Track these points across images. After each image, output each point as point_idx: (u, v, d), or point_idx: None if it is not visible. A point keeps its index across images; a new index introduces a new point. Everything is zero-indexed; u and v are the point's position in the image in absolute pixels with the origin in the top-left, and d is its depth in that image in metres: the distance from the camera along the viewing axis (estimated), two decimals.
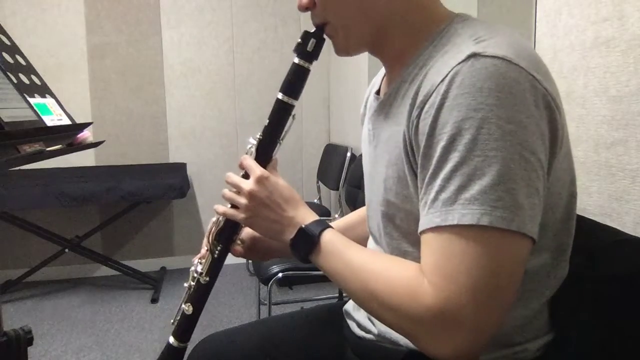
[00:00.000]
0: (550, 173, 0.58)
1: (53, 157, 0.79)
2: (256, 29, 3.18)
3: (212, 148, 3.20)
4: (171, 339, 0.81)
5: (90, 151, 2.99)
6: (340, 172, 2.55)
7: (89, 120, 1.25)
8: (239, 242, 0.83)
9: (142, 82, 3.07)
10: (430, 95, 0.56)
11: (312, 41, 0.70)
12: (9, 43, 0.85)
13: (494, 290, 0.52)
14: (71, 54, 2.95)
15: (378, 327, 0.74)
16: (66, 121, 0.86)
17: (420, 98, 0.58)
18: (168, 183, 2.61)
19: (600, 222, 0.79)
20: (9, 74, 0.78)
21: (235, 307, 2.60)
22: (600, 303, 0.66)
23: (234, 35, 3.16)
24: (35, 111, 0.78)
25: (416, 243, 0.64)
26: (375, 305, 0.59)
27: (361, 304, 0.63)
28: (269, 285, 1.80)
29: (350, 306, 0.85)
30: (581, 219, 0.72)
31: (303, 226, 0.67)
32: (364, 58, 2.52)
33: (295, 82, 0.72)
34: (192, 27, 3.10)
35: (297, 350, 0.86)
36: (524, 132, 0.53)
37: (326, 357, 0.85)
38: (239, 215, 0.72)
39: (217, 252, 0.78)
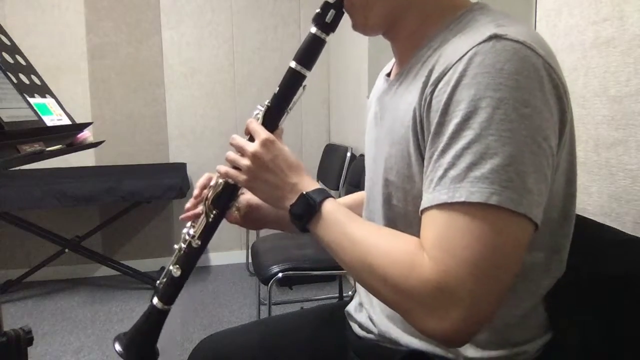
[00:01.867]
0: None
1: (53, 157, 0.79)
2: (256, 29, 3.18)
3: (212, 148, 3.20)
4: (155, 300, 0.79)
5: (90, 151, 2.99)
6: (340, 172, 2.55)
7: (89, 120, 1.25)
8: (235, 208, 0.81)
9: (142, 82, 3.07)
10: (446, 73, 0.56)
11: (331, 12, 0.69)
12: (9, 43, 0.85)
13: (494, 268, 0.51)
14: (71, 54, 2.95)
15: (378, 327, 0.74)
16: (66, 121, 0.86)
17: (435, 75, 0.58)
18: (168, 183, 2.61)
19: (600, 222, 0.79)
20: (9, 74, 0.78)
21: (235, 307, 2.60)
22: (600, 303, 0.66)
23: (234, 35, 3.16)
24: (35, 111, 0.79)
25: (410, 225, 0.64)
26: (371, 278, 0.58)
27: (357, 276, 0.61)
28: (269, 285, 1.80)
29: (352, 308, 0.84)
30: (581, 219, 0.72)
31: (304, 192, 0.66)
32: (363, 58, 2.52)
33: (310, 52, 0.71)
34: (192, 27, 3.10)
35: (298, 350, 0.86)
36: (539, 118, 0.53)
37: (328, 357, 0.85)
38: (241, 176, 0.71)
39: (212, 216, 0.77)
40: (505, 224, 0.52)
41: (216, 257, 3.30)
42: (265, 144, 0.69)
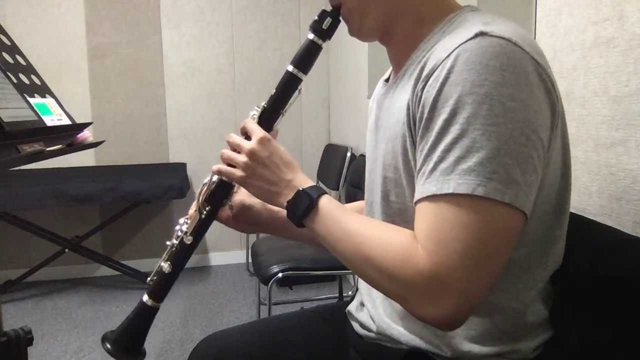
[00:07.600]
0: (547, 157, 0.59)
1: (53, 157, 0.79)
2: (256, 29, 3.18)
3: (212, 148, 3.20)
4: (145, 297, 0.80)
5: (90, 151, 2.99)
6: (340, 172, 2.55)
7: (89, 120, 1.25)
8: (228, 206, 0.82)
9: (142, 82, 3.07)
10: (436, 69, 0.57)
11: (327, 20, 0.72)
12: (9, 43, 0.85)
13: (482, 258, 0.54)
14: (71, 54, 2.95)
15: (379, 326, 0.74)
16: (66, 121, 0.86)
17: (425, 72, 0.60)
18: (168, 183, 2.61)
19: (600, 222, 0.79)
20: (9, 74, 0.78)
21: (235, 307, 2.60)
22: (600, 303, 0.65)
23: (234, 35, 3.16)
24: (35, 111, 0.78)
25: (408, 221, 0.65)
26: (368, 269, 0.60)
27: (354, 268, 0.63)
28: (269, 285, 1.80)
29: (353, 307, 0.84)
30: (581, 219, 0.72)
31: (301, 189, 0.67)
32: (363, 59, 2.52)
33: (307, 57, 0.73)
34: (192, 27, 3.10)
35: (298, 350, 0.86)
36: (526, 111, 0.54)
37: (328, 356, 0.85)
38: (237, 173, 0.72)
39: (205, 212, 0.78)
40: (492, 215, 0.53)
41: (216, 257, 3.31)
42: (262, 141, 0.70)
